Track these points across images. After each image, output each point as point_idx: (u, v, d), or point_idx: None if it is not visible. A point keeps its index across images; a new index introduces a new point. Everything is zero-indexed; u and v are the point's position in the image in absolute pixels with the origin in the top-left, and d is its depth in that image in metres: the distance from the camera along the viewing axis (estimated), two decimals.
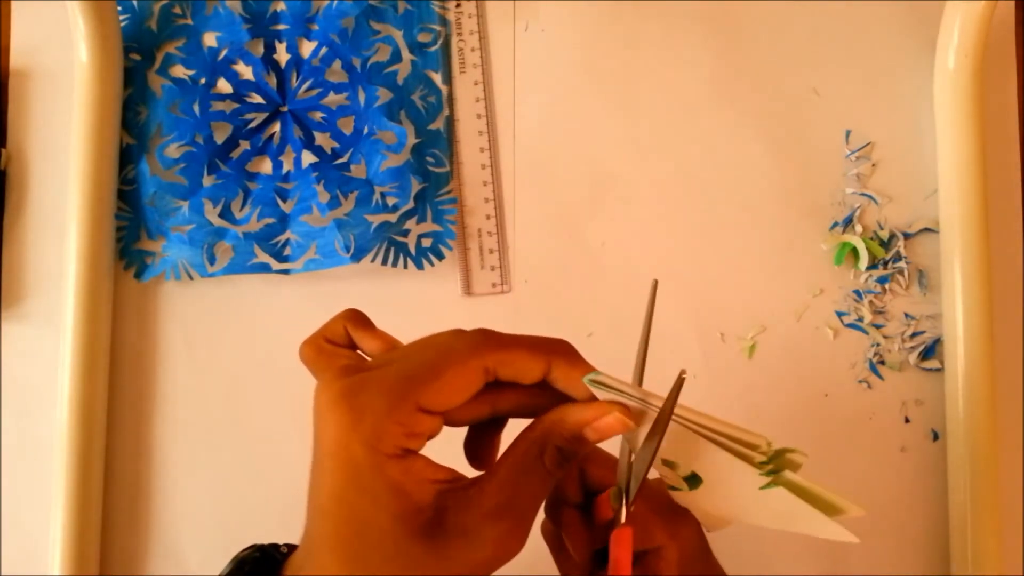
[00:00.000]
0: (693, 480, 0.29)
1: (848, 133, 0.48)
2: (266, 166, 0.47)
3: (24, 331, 0.47)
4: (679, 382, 0.26)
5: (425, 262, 0.46)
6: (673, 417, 0.27)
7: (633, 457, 0.29)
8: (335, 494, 0.25)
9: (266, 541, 0.29)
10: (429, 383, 0.25)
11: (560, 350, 0.27)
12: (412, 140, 0.46)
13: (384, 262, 0.46)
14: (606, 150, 0.48)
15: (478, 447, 0.30)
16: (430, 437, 0.26)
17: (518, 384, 0.27)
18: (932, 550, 0.45)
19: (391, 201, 0.46)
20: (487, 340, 0.26)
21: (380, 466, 0.24)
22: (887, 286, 0.47)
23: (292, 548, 0.28)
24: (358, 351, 0.31)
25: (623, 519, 0.29)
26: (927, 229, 0.47)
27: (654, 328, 0.32)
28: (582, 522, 0.31)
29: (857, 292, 0.47)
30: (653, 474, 0.29)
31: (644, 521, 0.30)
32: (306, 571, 0.25)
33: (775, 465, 0.27)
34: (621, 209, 0.48)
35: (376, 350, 0.30)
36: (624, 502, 0.29)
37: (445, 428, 0.27)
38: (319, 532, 0.25)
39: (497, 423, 0.29)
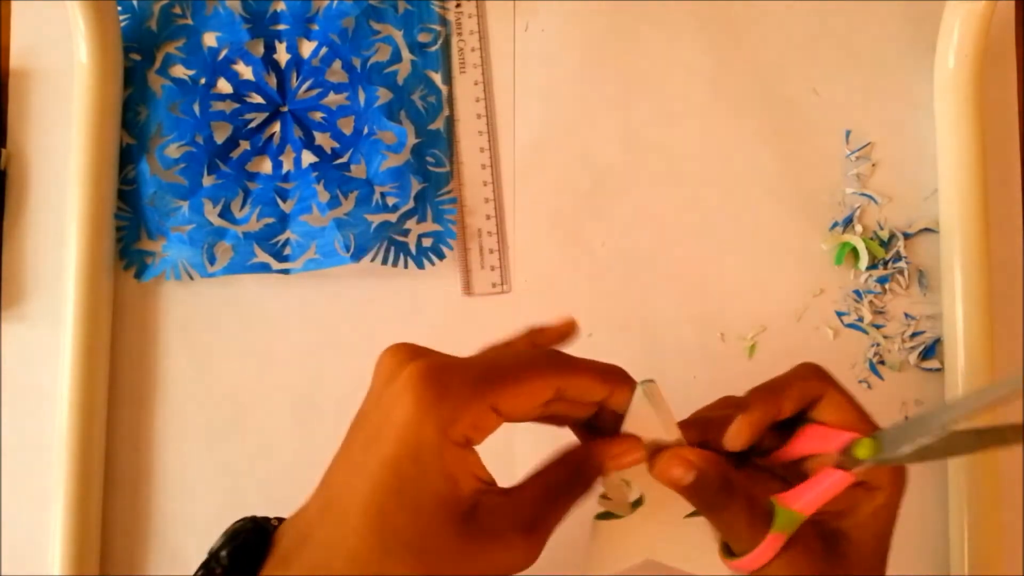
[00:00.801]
0: (636, 504, 0.30)
1: (848, 133, 0.48)
2: (266, 166, 0.47)
3: (24, 331, 0.47)
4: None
5: (425, 262, 0.46)
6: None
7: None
8: (390, 463, 0.25)
9: None
10: (508, 387, 0.26)
11: (622, 378, 0.29)
12: (412, 140, 0.46)
13: (384, 262, 0.46)
14: (606, 150, 0.48)
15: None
16: (488, 435, 0.27)
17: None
18: (932, 550, 0.45)
19: (391, 201, 0.46)
20: (566, 362, 0.28)
21: (444, 449, 0.25)
22: (887, 286, 0.47)
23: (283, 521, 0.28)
24: None
25: (856, 476, 0.28)
26: (927, 229, 0.47)
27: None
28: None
29: (857, 292, 0.47)
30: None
31: (887, 475, 0.29)
32: (323, 530, 0.26)
33: None
34: (621, 209, 0.48)
35: (557, 337, 0.33)
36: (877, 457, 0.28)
37: None
38: (353, 494, 0.26)
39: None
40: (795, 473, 0.31)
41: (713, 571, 0.29)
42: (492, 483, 0.27)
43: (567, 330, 0.32)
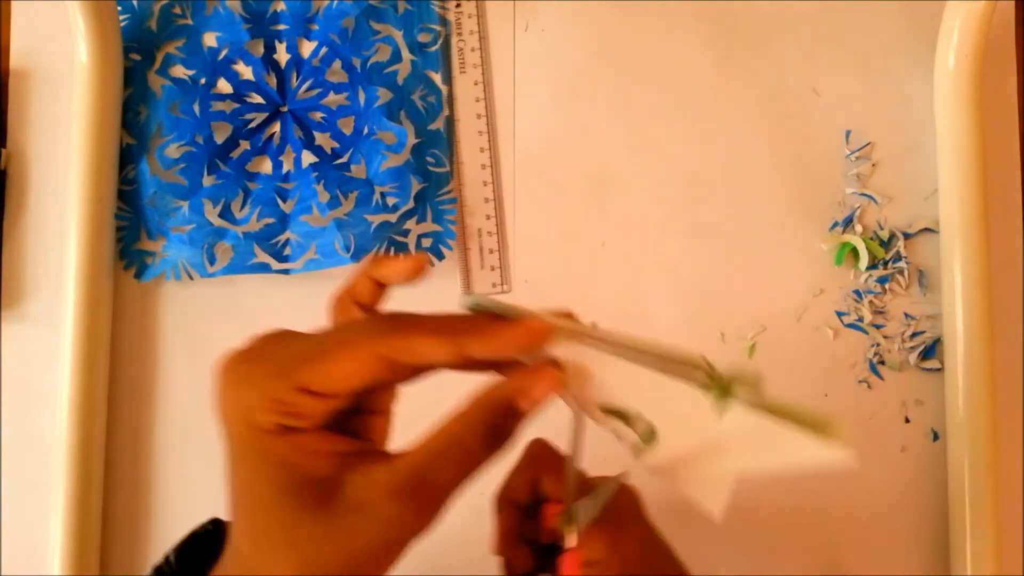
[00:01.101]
0: (649, 436, 0.26)
1: (848, 133, 0.48)
2: (266, 166, 0.47)
3: (24, 331, 0.46)
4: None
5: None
6: (594, 343, 0.25)
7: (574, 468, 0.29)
8: (227, 466, 0.25)
9: None
10: (313, 364, 0.24)
11: (469, 327, 0.25)
12: (412, 140, 0.46)
13: None
14: (606, 150, 0.48)
15: None
16: (327, 415, 0.25)
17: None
18: (932, 550, 0.45)
19: (391, 201, 0.46)
20: (385, 326, 0.25)
21: (257, 440, 0.24)
22: (887, 286, 0.47)
23: None
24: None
25: (572, 543, 0.30)
26: (927, 229, 0.47)
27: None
28: (518, 522, 0.33)
29: (857, 292, 0.47)
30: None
31: (585, 536, 0.30)
32: (229, 547, 0.25)
33: (721, 391, 0.24)
34: (621, 209, 0.48)
35: (399, 272, 0.27)
36: (573, 525, 0.30)
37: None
38: (228, 504, 0.25)
39: None
40: None
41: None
42: (363, 451, 0.25)
43: (415, 268, 0.27)
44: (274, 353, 0.25)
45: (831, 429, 0.23)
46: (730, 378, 0.24)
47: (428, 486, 0.24)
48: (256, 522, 0.24)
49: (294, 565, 0.23)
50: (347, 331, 0.25)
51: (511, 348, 0.25)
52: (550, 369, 0.25)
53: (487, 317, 0.25)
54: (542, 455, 0.33)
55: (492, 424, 0.25)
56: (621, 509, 0.33)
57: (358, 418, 0.27)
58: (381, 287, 0.28)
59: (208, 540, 0.28)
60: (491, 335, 0.25)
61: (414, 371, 0.26)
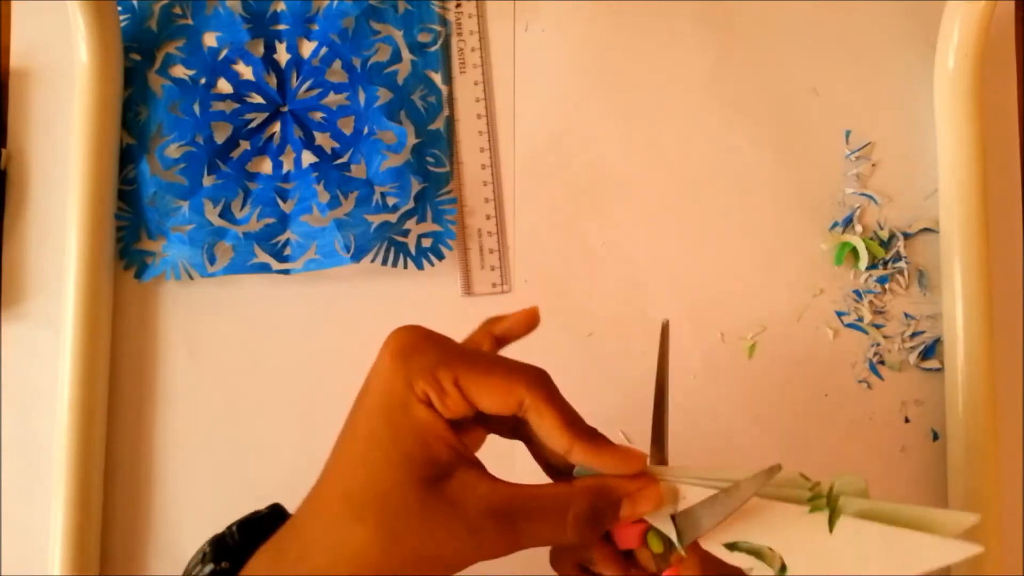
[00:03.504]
0: (783, 570, 0.26)
1: (848, 133, 0.48)
2: (266, 166, 0.47)
3: (24, 331, 0.47)
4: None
5: (425, 262, 0.46)
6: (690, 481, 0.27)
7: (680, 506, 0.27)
8: (368, 414, 0.27)
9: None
10: (475, 372, 0.26)
11: (592, 439, 0.27)
12: (412, 140, 0.46)
13: (384, 262, 0.46)
14: (606, 150, 0.48)
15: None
16: (457, 417, 0.27)
17: None
18: None
19: (391, 201, 0.46)
20: (546, 387, 0.27)
21: (410, 404, 0.26)
22: (887, 286, 0.47)
23: None
24: None
25: (667, 563, 0.28)
26: (927, 229, 0.47)
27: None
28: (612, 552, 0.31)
29: (857, 292, 0.47)
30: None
31: (691, 560, 0.29)
32: (308, 497, 0.27)
33: (827, 506, 0.25)
34: (621, 209, 0.48)
35: (517, 324, 0.32)
36: (668, 549, 0.28)
37: None
38: (335, 453, 0.27)
39: None
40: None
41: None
42: (475, 462, 0.27)
43: (528, 320, 0.31)
44: (448, 344, 0.28)
45: (946, 525, 0.23)
46: (835, 491, 0.25)
47: (518, 523, 0.26)
48: (361, 478, 0.25)
49: (380, 529, 0.25)
50: (513, 366, 0.28)
51: (612, 468, 0.27)
52: (657, 488, 0.27)
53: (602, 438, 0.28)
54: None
55: (596, 509, 0.27)
56: None
57: (464, 434, 0.29)
58: (500, 342, 0.31)
59: (268, 522, 0.29)
60: (601, 451, 0.27)
61: (521, 431, 0.29)
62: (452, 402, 0.26)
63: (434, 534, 0.25)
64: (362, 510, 0.25)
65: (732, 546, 0.27)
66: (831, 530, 0.24)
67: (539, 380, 0.27)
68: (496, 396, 0.27)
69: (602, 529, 0.27)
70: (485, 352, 0.29)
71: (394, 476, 0.25)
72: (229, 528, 0.30)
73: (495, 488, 0.26)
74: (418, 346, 0.27)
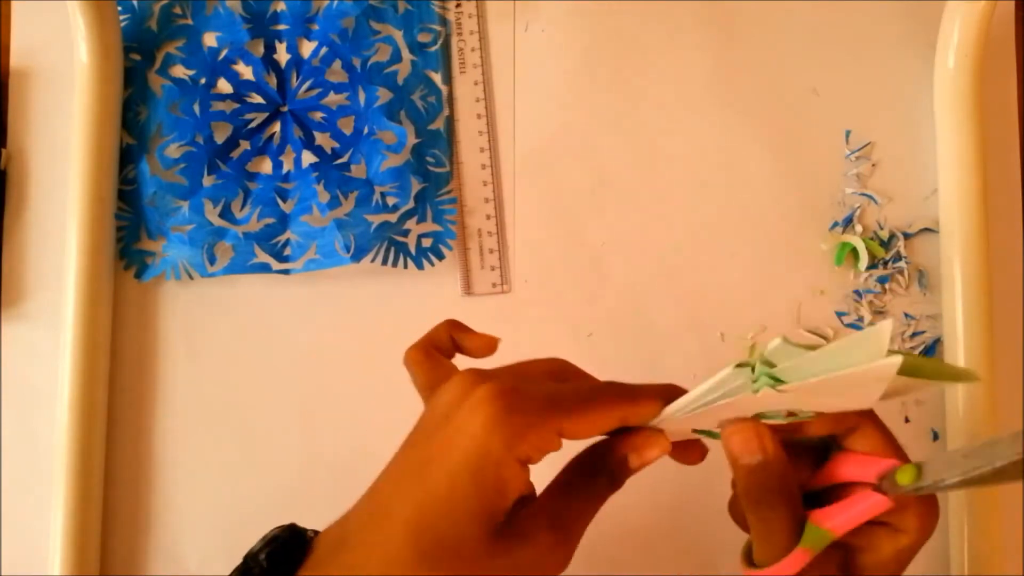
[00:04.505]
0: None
1: (848, 133, 0.48)
2: (266, 166, 0.47)
3: (24, 331, 0.47)
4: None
5: (425, 262, 0.46)
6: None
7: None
8: (452, 472, 0.26)
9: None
10: (577, 415, 0.27)
11: (669, 395, 0.28)
12: (412, 140, 0.46)
13: (384, 262, 0.46)
14: (606, 150, 0.48)
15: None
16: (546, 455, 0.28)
17: None
18: (932, 550, 0.45)
19: (391, 201, 0.46)
20: (630, 393, 0.28)
21: (504, 464, 0.26)
22: (887, 286, 0.47)
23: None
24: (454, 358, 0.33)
25: (891, 503, 0.27)
26: (927, 229, 0.47)
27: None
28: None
29: (857, 292, 0.47)
30: None
31: (916, 511, 0.28)
32: (364, 534, 0.27)
33: (763, 374, 0.25)
34: (621, 209, 0.48)
35: (478, 348, 0.33)
36: (918, 483, 0.26)
37: None
38: (404, 501, 0.26)
39: None
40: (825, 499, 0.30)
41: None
42: (532, 493, 0.28)
43: (490, 348, 0.33)
44: (541, 396, 0.27)
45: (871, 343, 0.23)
46: (763, 357, 0.26)
47: (567, 520, 0.28)
48: (440, 530, 0.26)
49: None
50: (599, 392, 0.28)
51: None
52: (663, 441, 0.29)
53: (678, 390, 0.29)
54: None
55: (610, 471, 0.29)
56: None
57: None
58: (457, 348, 0.33)
59: (291, 542, 0.28)
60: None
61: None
62: (552, 448, 0.27)
63: (505, 570, 0.26)
64: (438, 562, 0.25)
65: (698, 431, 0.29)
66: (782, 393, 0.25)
67: (624, 393, 0.28)
68: (598, 427, 0.28)
69: (620, 483, 0.29)
70: (566, 390, 0.29)
71: (471, 530, 0.26)
72: (255, 557, 0.28)
73: (542, 502, 0.28)
74: (516, 405, 0.26)
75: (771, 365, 0.25)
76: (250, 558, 0.28)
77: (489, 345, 0.33)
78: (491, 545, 0.26)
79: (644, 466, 0.29)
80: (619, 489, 0.29)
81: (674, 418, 0.28)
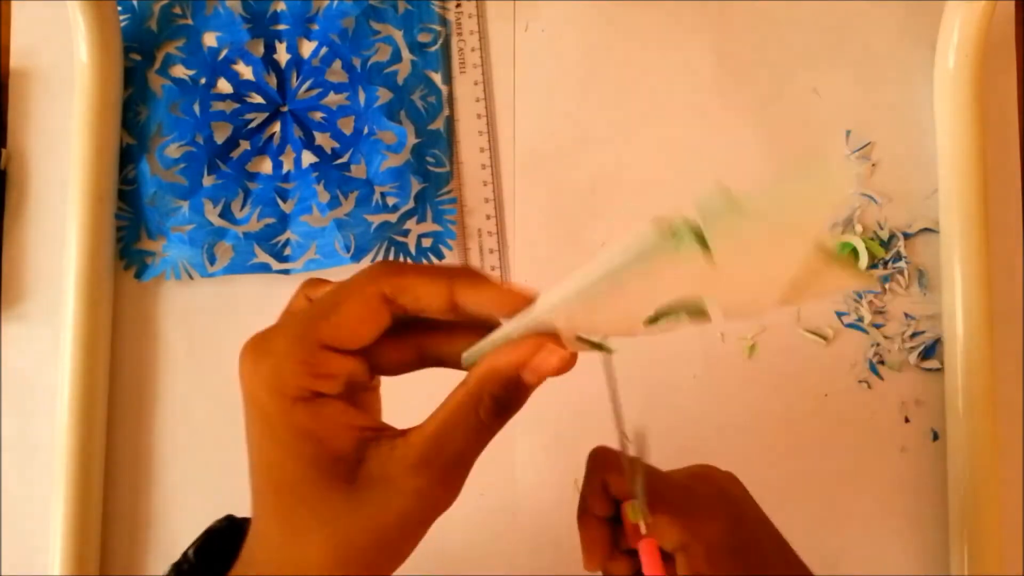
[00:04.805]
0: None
1: (848, 133, 0.48)
2: (266, 166, 0.47)
3: (24, 331, 0.47)
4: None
5: (425, 262, 0.46)
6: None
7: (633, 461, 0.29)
8: (253, 444, 0.25)
9: None
10: (327, 318, 0.25)
11: (461, 273, 0.25)
12: (412, 140, 0.46)
13: None
14: (606, 150, 0.48)
15: None
16: (351, 382, 0.26)
17: (441, 324, 0.26)
18: (932, 550, 0.45)
19: (391, 201, 0.46)
20: (384, 269, 0.26)
21: (286, 411, 0.24)
22: (887, 286, 0.47)
23: None
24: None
25: (644, 531, 0.30)
26: (927, 229, 0.47)
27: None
28: (606, 535, 0.32)
29: (857, 292, 0.47)
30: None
31: (666, 526, 0.30)
32: (253, 532, 0.26)
33: (691, 235, 0.22)
34: (621, 209, 0.48)
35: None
36: (643, 515, 0.30)
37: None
38: (253, 488, 0.25)
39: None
40: None
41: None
42: (381, 427, 0.25)
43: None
44: (293, 321, 0.26)
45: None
46: (688, 222, 0.23)
47: (445, 457, 0.24)
48: (284, 500, 0.24)
49: (325, 543, 0.24)
50: (352, 280, 0.26)
51: (495, 304, 0.25)
52: (557, 347, 0.25)
53: (477, 272, 0.26)
54: (604, 459, 0.32)
55: (499, 396, 0.25)
56: (701, 494, 0.32)
57: (360, 396, 0.27)
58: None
59: (225, 536, 0.28)
60: (479, 285, 0.25)
61: (429, 355, 0.27)
62: (334, 367, 0.25)
63: (380, 520, 0.24)
64: (303, 532, 0.24)
65: (584, 340, 0.26)
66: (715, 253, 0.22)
67: (379, 271, 0.25)
68: (359, 320, 0.25)
69: (516, 407, 0.26)
70: (324, 296, 0.26)
71: (314, 490, 0.24)
72: (185, 553, 0.28)
73: (409, 442, 0.25)
74: (262, 348, 0.25)
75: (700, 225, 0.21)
76: (183, 554, 0.28)
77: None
78: (348, 495, 0.24)
79: (542, 380, 0.25)
80: (512, 416, 0.26)
81: (562, 308, 0.24)
